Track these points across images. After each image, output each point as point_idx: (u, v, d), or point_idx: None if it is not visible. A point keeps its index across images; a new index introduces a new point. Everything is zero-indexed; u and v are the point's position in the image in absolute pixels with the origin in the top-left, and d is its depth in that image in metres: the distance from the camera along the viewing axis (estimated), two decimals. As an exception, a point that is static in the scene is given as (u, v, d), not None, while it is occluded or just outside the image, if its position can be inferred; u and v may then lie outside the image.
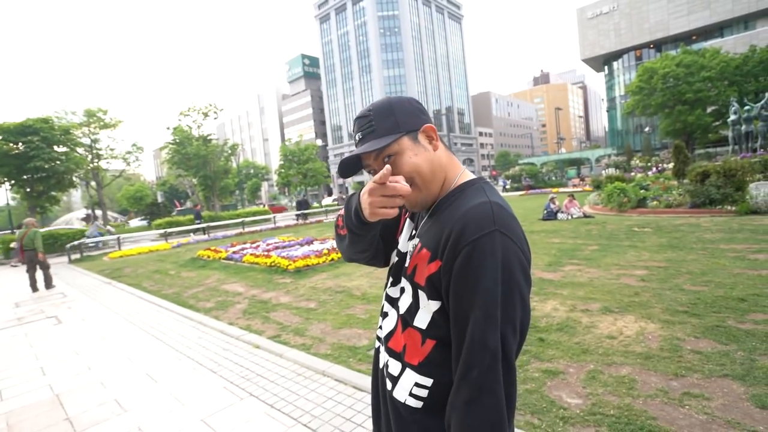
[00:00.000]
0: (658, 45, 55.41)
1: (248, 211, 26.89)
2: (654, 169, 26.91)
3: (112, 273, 10.36)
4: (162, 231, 18.18)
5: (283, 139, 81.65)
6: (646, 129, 49.09)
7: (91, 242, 16.14)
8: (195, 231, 19.86)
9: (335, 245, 9.08)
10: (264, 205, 43.58)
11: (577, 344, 3.32)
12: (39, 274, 9.03)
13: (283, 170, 40.10)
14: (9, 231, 37.70)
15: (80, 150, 24.27)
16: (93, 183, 27.46)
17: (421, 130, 0.85)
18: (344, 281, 6.48)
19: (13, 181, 20.34)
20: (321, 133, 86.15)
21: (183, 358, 3.96)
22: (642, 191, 12.74)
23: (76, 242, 15.05)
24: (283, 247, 9.87)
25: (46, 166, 19.82)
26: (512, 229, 0.75)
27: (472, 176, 0.89)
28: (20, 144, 19.56)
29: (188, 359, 3.92)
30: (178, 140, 29.15)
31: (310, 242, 10.34)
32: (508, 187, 36.26)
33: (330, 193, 71.22)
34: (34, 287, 8.71)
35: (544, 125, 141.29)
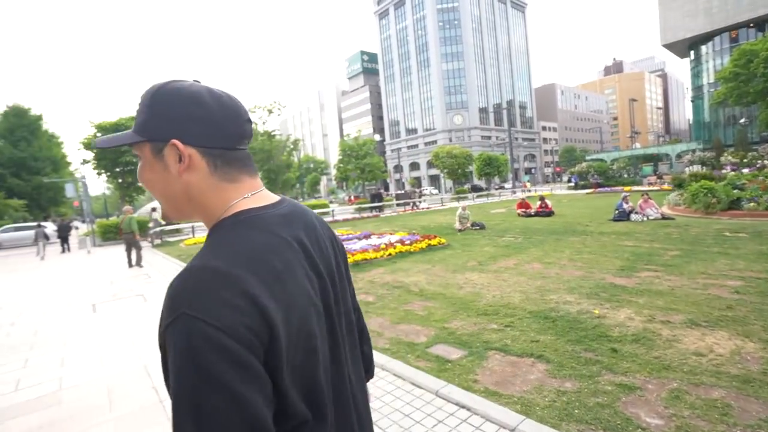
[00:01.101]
0: (761, 23, 48.65)
1: (308, 204, 27.96)
2: (752, 166, 23.83)
3: (187, 258, 11.33)
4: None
5: (341, 135, 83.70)
6: (742, 120, 43.46)
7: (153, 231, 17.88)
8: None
9: (392, 240, 9.20)
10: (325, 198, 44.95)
11: (656, 359, 3.04)
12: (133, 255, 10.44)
13: (341, 165, 41.15)
14: (105, 217, 42.53)
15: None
16: None
17: (169, 144, 0.63)
18: (402, 276, 6.50)
19: (108, 173, 22.96)
20: (378, 129, 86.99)
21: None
22: (735, 191, 11.33)
23: (157, 229, 16.64)
24: (342, 240, 10.10)
25: (134, 160, 22.15)
26: (216, 308, 0.52)
27: (242, 208, 0.67)
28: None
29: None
30: (246, 136, 30.93)
31: (367, 236, 10.51)
32: (578, 183, 34.14)
33: (387, 188, 71.72)
34: (129, 263, 10.34)
35: (615, 118, 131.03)
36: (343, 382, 0.70)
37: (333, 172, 50.22)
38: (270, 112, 32.03)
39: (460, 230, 11.56)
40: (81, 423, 2.87)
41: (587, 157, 50.47)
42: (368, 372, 0.95)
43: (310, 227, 0.74)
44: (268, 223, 0.66)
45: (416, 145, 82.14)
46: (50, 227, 21.99)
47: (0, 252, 19.10)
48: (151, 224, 17.14)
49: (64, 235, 17.51)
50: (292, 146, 33.85)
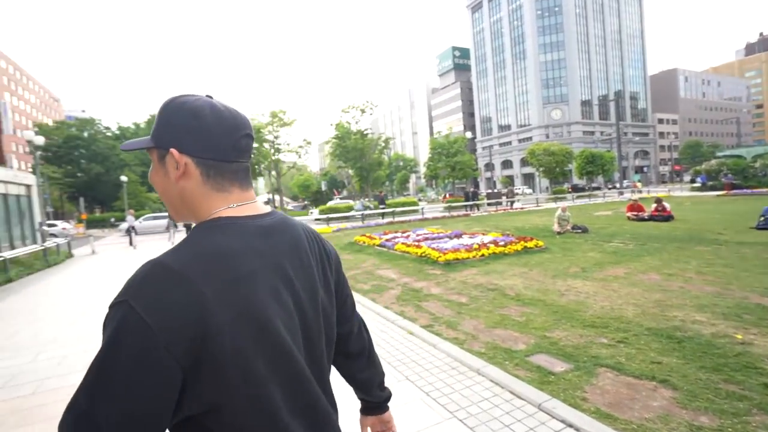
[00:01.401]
0: None
1: (398, 201, 28.43)
2: None
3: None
4: (325, 216, 21.03)
5: (431, 133, 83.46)
6: None
7: (358, 214, 20.49)
8: (383, 215, 22.60)
9: (485, 240, 8.89)
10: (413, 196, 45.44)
11: (830, 402, 2.45)
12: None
13: (431, 163, 41.00)
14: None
15: (266, 145, 29.53)
16: (273, 172, 33.17)
17: (169, 152, 0.69)
18: (496, 279, 6.23)
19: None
20: (469, 126, 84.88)
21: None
22: None
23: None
24: (433, 239, 10.07)
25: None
26: (153, 302, 0.57)
27: (221, 215, 0.70)
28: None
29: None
30: (339, 135, 32.66)
31: (459, 235, 10.31)
32: (705, 184, 29.30)
33: (477, 187, 69.86)
34: None
35: (759, 106, 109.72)
36: (303, 386, 0.70)
37: (422, 170, 50.34)
38: (363, 111, 33.27)
39: (559, 233, 10.71)
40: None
41: (718, 153, 43.02)
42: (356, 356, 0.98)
43: (294, 240, 0.76)
44: (242, 231, 0.69)
45: (509, 142, 78.33)
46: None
47: (140, 237, 22.86)
48: (356, 206, 20.64)
49: (188, 224, 20.51)
50: (383, 144, 34.74)
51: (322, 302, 0.78)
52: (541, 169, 45.14)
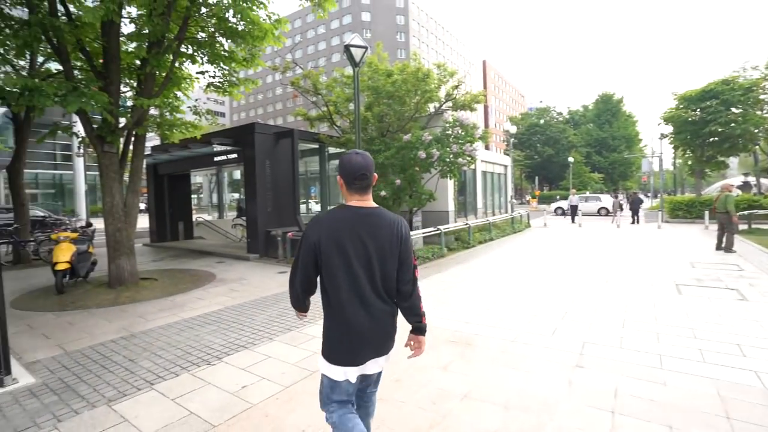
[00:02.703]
0: None
1: None
2: None
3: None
4: None
5: None
6: None
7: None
8: None
9: None
10: None
11: None
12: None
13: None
14: (672, 193, 41.81)
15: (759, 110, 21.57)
16: (762, 146, 23.81)
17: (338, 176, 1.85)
18: None
19: (687, 147, 21.76)
20: None
21: None
22: None
23: (746, 212, 13.88)
24: None
25: (720, 130, 19.37)
26: (310, 226, 1.80)
27: (346, 204, 1.83)
28: (697, 110, 20.29)
29: None
30: None
31: None
32: None
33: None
34: (718, 246, 9.62)
35: None
36: (363, 284, 1.75)
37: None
38: None
39: None
40: (693, 417, 2.60)
41: None
42: (403, 296, 1.87)
43: (375, 221, 1.77)
44: (348, 211, 1.77)
45: None
46: (605, 200, 24.26)
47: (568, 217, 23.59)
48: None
49: (635, 208, 18.87)
50: None
51: (384, 255, 1.77)
52: None
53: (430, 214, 12.29)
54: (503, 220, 15.56)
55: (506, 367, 3.47)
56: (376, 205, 1.83)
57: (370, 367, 1.84)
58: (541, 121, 57.37)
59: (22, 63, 8.99)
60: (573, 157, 39.41)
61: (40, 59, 9.35)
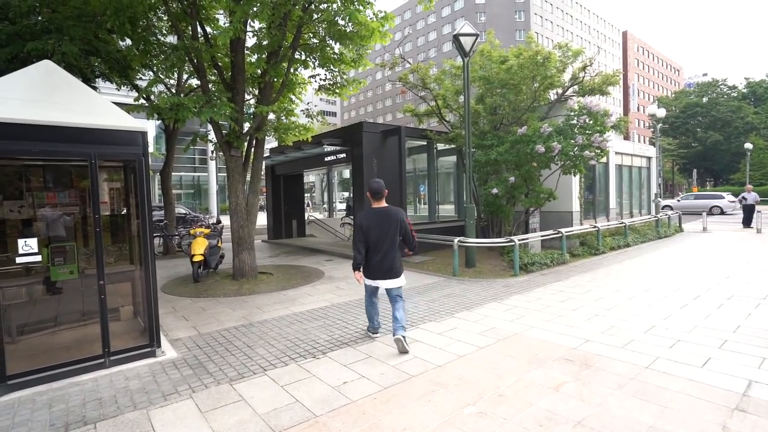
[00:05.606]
0: None
1: None
2: None
3: None
4: None
5: None
6: None
7: None
8: None
9: None
10: None
11: None
12: None
13: None
14: None
15: None
16: None
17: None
18: None
19: None
20: None
21: None
22: None
23: None
24: None
25: None
26: (360, 215, 4.52)
27: (372, 207, 4.52)
28: None
29: None
30: None
31: None
32: None
33: None
34: None
35: None
36: (382, 244, 4.36)
37: None
38: None
39: None
40: None
41: None
42: (409, 247, 4.63)
43: (386, 215, 4.42)
44: (374, 210, 4.48)
45: None
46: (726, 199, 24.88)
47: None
48: None
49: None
50: None
51: (394, 231, 4.39)
52: None
53: (550, 214, 11.52)
54: (644, 222, 13.75)
55: (635, 398, 3.13)
56: (387, 205, 4.46)
57: (382, 282, 4.39)
58: (704, 99, 48.77)
59: (171, 81, 11.08)
60: (752, 143, 32.65)
61: (185, 76, 11.39)
